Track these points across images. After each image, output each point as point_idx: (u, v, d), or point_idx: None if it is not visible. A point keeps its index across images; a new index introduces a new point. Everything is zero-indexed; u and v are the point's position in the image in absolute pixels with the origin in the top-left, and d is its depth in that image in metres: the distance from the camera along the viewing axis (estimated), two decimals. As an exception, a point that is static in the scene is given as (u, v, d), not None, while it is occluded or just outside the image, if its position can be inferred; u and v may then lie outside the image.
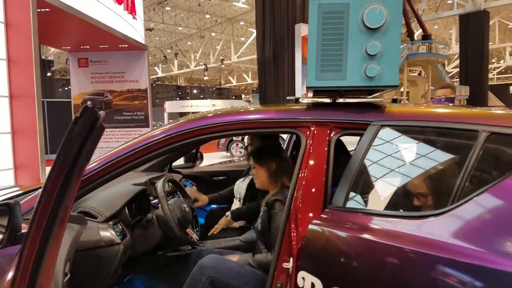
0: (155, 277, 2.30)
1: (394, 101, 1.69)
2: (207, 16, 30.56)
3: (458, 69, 28.03)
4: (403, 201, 1.26)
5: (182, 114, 29.11)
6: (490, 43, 26.37)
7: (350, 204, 1.30)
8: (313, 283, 1.24)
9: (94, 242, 1.65)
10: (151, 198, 2.32)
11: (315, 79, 1.51)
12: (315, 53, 1.49)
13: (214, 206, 3.04)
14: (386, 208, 1.25)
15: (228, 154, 12.99)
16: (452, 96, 3.11)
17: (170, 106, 29.25)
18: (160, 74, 41.52)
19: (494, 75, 42.02)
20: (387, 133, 1.36)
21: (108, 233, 1.71)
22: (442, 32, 34.33)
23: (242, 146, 12.82)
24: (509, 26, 30.90)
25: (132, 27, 8.75)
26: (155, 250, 2.28)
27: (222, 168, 3.46)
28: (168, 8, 28.76)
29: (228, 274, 1.76)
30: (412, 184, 1.25)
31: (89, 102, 0.79)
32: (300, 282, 1.30)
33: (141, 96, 9.07)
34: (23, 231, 1.13)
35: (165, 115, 28.46)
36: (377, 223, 1.18)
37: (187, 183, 2.91)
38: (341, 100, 1.66)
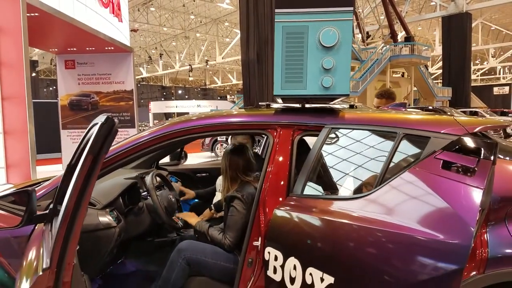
0: (145, 260, 2.61)
1: (351, 106, 1.98)
2: (192, 16, 30.67)
3: (441, 71, 28.66)
4: (346, 187, 1.57)
5: (167, 115, 29.22)
6: (473, 45, 27.06)
7: (306, 192, 1.60)
8: (276, 256, 1.54)
9: (93, 226, 1.92)
10: (141, 190, 2.60)
11: (280, 88, 1.79)
12: (280, 66, 1.77)
13: (197, 200, 3.32)
14: (333, 193, 1.57)
15: (213, 154, 13.22)
16: (405, 102, 3.39)
17: (155, 107, 29.29)
18: (145, 75, 41.43)
19: (477, 76, 42.97)
20: (335, 134, 1.67)
21: (105, 218, 1.98)
22: (426, 34, 35.07)
23: (226, 147, 13.06)
24: (492, 28, 31.76)
25: (118, 30, 8.93)
26: (144, 236, 2.58)
27: (204, 166, 3.75)
28: (152, 9, 28.81)
29: (202, 254, 2.02)
30: (352, 173, 1.57)
31: (110, 114, 1.13)
32: (266, 256, 1.59)
33: (127, 97, 9.27)
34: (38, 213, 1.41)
35: (150, 115, 28.50)
36: (323, 204, 1.49)
37: (172, 179, 3.17)
38: (307, 106, 1.95)
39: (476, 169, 1.18)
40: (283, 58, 1.77)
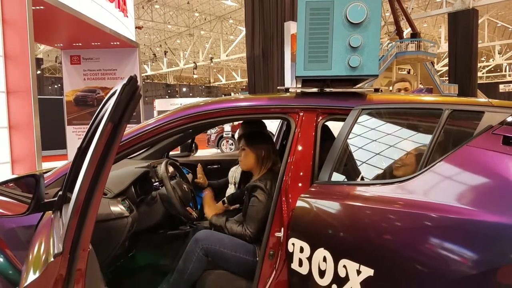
0: (156, 253, 2.49)
1: (376, 90, 1.86)
2: (196, 14, 30.55)
3: (447, 68, 28.41)
4: (383, 171, 1.44)
5: (172, 113, 29.02)
6: (479, 42, 26.80)
7: (335, 178, 1.48)
8: (301, 247, 1.42)
9: (105, 215, 1.80)
10: (152, 180, 2.49)
11: (303, 69, 1.67)
12: (303, 45, 1.65)
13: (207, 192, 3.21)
14: (369, 178, 1.43)
15: (219, 150, 13.12)
16: (431, 87, 3.35)
17: (160, 104, 29.27)
18: (149, 72, 41.36)
19: (483, 73, 42.58)
20: (367, 115, 1.54)
21: (117, 208, 1.87)
22: (432, 31, 34.74)
23: (232, 143, 12.95)
24: (498, 25, 31.42)
25: (123, 25, 8.84)
26: (156, 228, 2.46)
27: (216, 157, 3.64)
28: (157, 6, 28.70)
29: (221, 244, 1.91)
30: (390, 156, 1.43)
31: (133, 74, 0.99)
32: (290, 247, 1.47)
33: (133, 93, 9.18)
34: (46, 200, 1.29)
35: (155, 113, 28.49)
36: (359, 191, 1.36)
37: (183, 170, 3.07)
38: (327, 90, 1.83)
39: None
40: (307, 36, 1.65)
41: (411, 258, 1.10)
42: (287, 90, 1.96)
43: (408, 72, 28.45)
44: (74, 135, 9.06)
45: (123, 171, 2.29)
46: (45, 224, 1.42)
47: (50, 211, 1.46)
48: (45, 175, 1.76)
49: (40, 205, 1.28)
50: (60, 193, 1.40)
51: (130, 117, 1.04)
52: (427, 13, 27.98)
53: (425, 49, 24.57)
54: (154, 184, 2.49)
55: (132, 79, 1.03)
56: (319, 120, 1.71)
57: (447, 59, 28.10)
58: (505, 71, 43.18)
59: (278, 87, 2.07)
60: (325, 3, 1.62)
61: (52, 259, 1.05)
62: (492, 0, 24.13)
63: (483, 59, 39.50)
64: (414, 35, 24.81)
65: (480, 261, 0.98)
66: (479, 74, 37.20)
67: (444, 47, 29.01)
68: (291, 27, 10.91)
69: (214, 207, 2.24)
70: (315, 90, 1.84)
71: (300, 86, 1.90)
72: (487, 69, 41.65)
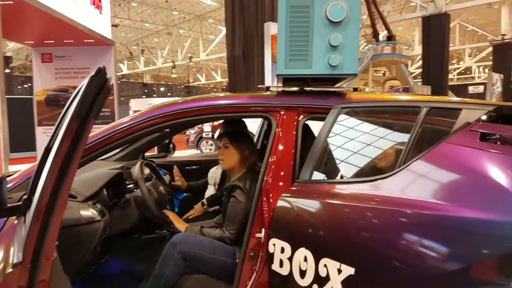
0: (130, 258, 2.40)
1: (355, 89, 1.86)
2: (175, 13, 30.21)
3: (420, 70, 29.13)
4: (363, 169, 1.43)
5: (149, 112, 28.50)
6: (451, 45, 27.59)
7: (315, 177, 1.46)
8: (282, 247, 1.39)
9: (74, 220, 1.71)
10: (126, 182, 2.41)
11: (284, 67, 1.65)
12: (284, 44, 1.63)
13: (185, 194, 3.15)
14: (349, 176, 1.42)
15: (198, 151, 13.00)
16: (407, 86, 3.48)
17: (136, 104, 28.66)
18: (125, 71, 40.61)
19: (454, 75, 43.98)
20: (347, 114, 1.53)
21: (88, 212, 1.78)
22: (406, 34, 35.58)
23: (212, 144, 12.86)
24: (468, 29, 32.44)
25: (98, 22, 8.61)
26: (130, 232, 2.37)
27: (195, 158, 3.58)
28: (134, 4, 28.22)
29: (199, 247, 1.86)
30: (369, 154, 1.43)
31: (102, 65, 0.92)
32: (271, 248, 1.44)
33: (108, 93, 8.95)
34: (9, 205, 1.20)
35: (130, 113, 27.83)
36: (339, 189, 1.35)
37: (160, 171, 2.99)
38: (308, 89, 1.81)
39: None
40: (287, 34, 1.63)
41: (392, 256, 1.09)
42: (267, 88, 1.93)
43: (383, 74, 28.98)
44: (44, 137, 8.73)
45: (94, 173, 2.20)
46: (7, 231, 1.33)
47: (13, 217, 1.37)
48: (10, 178, 1.65)
49: (2, 210, 1.18)
50: (25, 197, 1.31)
51: (99, 112, 0.96)
52: (402, 16, 28.63)
53: (400, 51, 25.10)
54: (128, 186, 2.41)
55: (101, 71, 0.96)
56: (300, 118, 1.69)
57: (421, 61, 28.79)
58: (474, 73, 44.77)
59: (258, 86, 2.05)
60: (305, 1, 1.61)
61: (10, 270, 0.97)
62: (463, 5, 24.95)
63: (454, 61, 40.76)
64: (390, 37, 25.32)
65: (460, 257, 0.98)
66: (450, 76, 38.31)
67: (418, 49, 29.74)
68: (271, 28, 10.93)
69: (182, 221, 2.16)
70: (295, 89, 1.82)
71: (281, 84, 1.88)
72: (457, 71, 43.06)
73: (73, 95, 1.14)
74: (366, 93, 1.79)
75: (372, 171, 1.38)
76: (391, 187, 1.19)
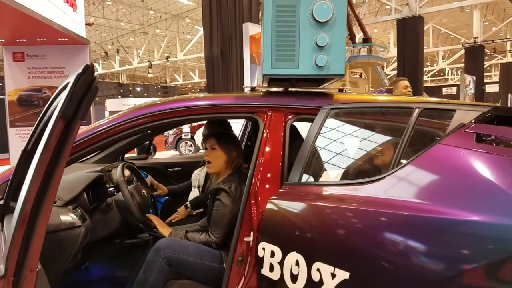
0: (113, 264, 2.33)
1: (341, 90, 1.85)
2: (151, 12, 29.77)
3: (396, 72, 29.73)
4: (354, 171, 1.42)
5: (125, 113, 27.96)
6: (425, 47, 28.28)
7: (305, 179, 1.44)
8: (272, 251, 1.36)
9: (54, 226, 1.64)
10: (107, 185, 2.33)
11: (270, 67, 1.62)
12: (270, 43, 1.60)
13: (167, 197, 3.07)
14: (340, 178, 1.40)
15: (177, 153, 12.83)
16: (391, 87, 3.43)
17: (112, 105, 28.08)
18: (100, 71, 39.73)
19: (428, 77, 45.18)
20: (336, 115, 1.51)
21: (68, 217, 1.70)
22: (382, 36, 36.23)
23: (191, 145, 12.71)
24: (441, 31, 33.34)
25: (72, 20, 8.37)
26: (113, 237, 2.29)
27: (176, 160, 3.50)
28: (109, 3, 27.66)
29: (184, 252, 1.81)
30: (361, 156, 1.41)
31: (90, 63, 0.86)
32: (260, 252, 1.41)
33: (83, 93, 8.72)
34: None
35: (106, 114, 27.30)
36: (331, 191, 1.33)
37: (141, 174, 2.91)
38: (293, 90, 1.80)
39: None
40: (273, 34, 1.61)
41: (388, 259, 1.07)
42: (253, 89, 1.90)
43: (360, 76, 29.40)
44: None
45: (73, 176, 2.12)
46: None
47: None
48: None
49: None
50: (1, 202, 1.23)
51: (86, 113, 0.91)
52: (378, 19, 29.12)
53: (376, 53, 25.48)
54: (109, 189, 2.33)
55: (88, 68, 0.90)
56: (287, 119, 1.66)
57: (396, 63, 29.38)
58: (448, 75, 46.12)
59: (244, 86, 2.02)
60: (291, 0, 1.59)
61: None
62: (436, 9, 25.63)
63: (428, 63, 41.81)
64: (366, 40, 25.66)
65: (461, 261, 0.98)
66: (425, 78, 39.33)
67: (393, 52, 30.31)
68: (249, 29, 10.90)
69: (166, 226, 2.10)
70: (281, 89, 1.80)
71: (266, 85, 1.85)
72: (431, 73, 44.22)
73: (55, 93, 1.08)
74: (352, 94, 1.78)
75: (365, 173, 1.37)
76: (385, 189, 1.18)
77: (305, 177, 1.44)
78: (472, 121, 1.18)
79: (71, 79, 0.91)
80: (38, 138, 1.06)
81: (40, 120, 1.17)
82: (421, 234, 1.04)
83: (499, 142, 1.11)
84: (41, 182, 0.89)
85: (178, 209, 2.59)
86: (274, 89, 1.82)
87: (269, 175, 1.55)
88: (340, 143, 1.47)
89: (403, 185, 1.17)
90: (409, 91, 3.61)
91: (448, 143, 1.15)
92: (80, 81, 0.89)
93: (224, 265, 1.75)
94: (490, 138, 1.13)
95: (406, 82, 3.60)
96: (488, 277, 0.94)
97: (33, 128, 1.23)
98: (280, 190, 1.47)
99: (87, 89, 0.90)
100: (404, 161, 1.20)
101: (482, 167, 1.06)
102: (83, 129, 1.69)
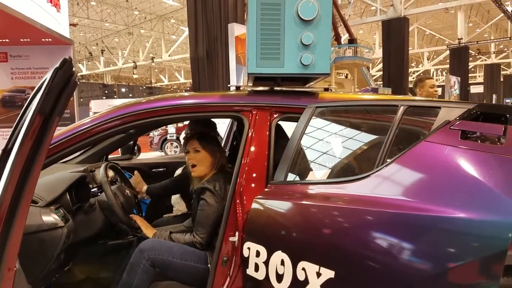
0: (96, 265, 2.30)
1: (326, 89, 1.86)
2: (136, 12, 29.50)
3: (381, 72, 30.06)
4: (340, 170, 1.41)
5: (110, 114, 27.62)
6: (410, 48, 28.67)
7: (291, 178, 1.43)
8: (258, 251, 1.35)
9: (36, 227, 1.61)
10: (90, 186, 2.29)
11: (255, 66, 1.62)
12: (255, 42, 1.59)
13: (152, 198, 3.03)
14: (325, 177, 1.40)
15: (163, 153, 12.72)
16: (377, 87, 3.41)
17: (97, 106, 27.72)
18: (85, 72, 39.22)
19: (413, 78, 45.72)
20: (321, 113, 1.51)
21: (50, 217, 1.67)
22: (367, 37, 36.56)
23: (177, 146, 12.62)
24: (426, 33, 33.84)
25: (56, 21, 8.23)
26: (96, 238, 2.26)
27: (161, 160, 3.47)
28: (93, 3, 27.31)
29: (169, 253, 1.79)
30: (346, 154, 1.41)
31: (68, 56, 0.83)
32: (245, 252, 1.40)
33: (67, 94, 8.60)
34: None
35: (91, 114, 26.97)
36: (316, 190, 1.32)
37: (125, 174, 2.87)
38: (278, 89, 1.79)
39: (504, 137, 1.07)
40: (258, 32, 1.60)
41: (373, 258, 1.07)
42: (238, 88, 1.89)
43: (346, 77, 29.63)
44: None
45: (56, 177, 2.07)
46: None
47: None
48: None
49: None
50: None
51: (64, 108, 0.88)
52: (363, 20, 29.39)
53: (361, 54, 25.63)
54: (92, 190, 2.29)
55: (66, 62, 0.87)
56: (273, 118, 1.66)
57: (381, 64, 29.70)
58: (433, 76, 46.84)
59: (229, 85, 2.01)
60: (276, -2, 1.58)
61: None
62: (421, 10, 26.00)
63: (413, 64, 42.39)
64: (352, 41, 25.82)
65: (446, 258, 0.98)
66: (410, 78, 39.87)
67: (378, 53, 30.63)
68: (235, 29, 10.88)
69: (150, 227, 2.07)
70: (266, 88, 1.80)
71: (251, 84, 1.84)
72: (417, 74, 44.77)
73: (34, 90, 1.05)
74: (337, 93, 1.78)
75: (350, 171, 1.37)
76: (371, 187, 1.18)
77: (291, 176, 1.44)
78: (457, 118, 1.19)
79: (48, 75, 0.88)
80: (16, 136, 1.03)
81: (20, 119, 1.14)
82: (405, 231, 1.04)
83: (484, 139, 1.12)
84: (18, 181, 0.86)
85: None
86: (260, 88, 1.81)
87: (254, 175, 1.54)
88: (325, 142, 1.46)
89: (389, 183, 1.17)
90: (435, 91, 3.34)
91: (434, 141, 1.16)
92: (57, 76, 0.86)
93: (209, 265, 1.73)
94: (475, 135, 1.14)
95: (433, 81, 3.33)
96: (472, 274, 0.95)
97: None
98: (266, 190, 1.47)
99: (65, 84, 0.87)
100: (389, 159, 1.20)
101: (467, 164, 1.07)
102: (65, 128, 1.66)
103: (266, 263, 1.31)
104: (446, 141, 1.14)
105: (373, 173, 1.20)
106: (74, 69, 0.90)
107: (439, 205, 1.02)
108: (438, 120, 1.21)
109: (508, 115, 1.15)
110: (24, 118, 0.99)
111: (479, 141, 1.12)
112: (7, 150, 1.17)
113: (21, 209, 0.88)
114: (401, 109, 1.30)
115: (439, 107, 1.26)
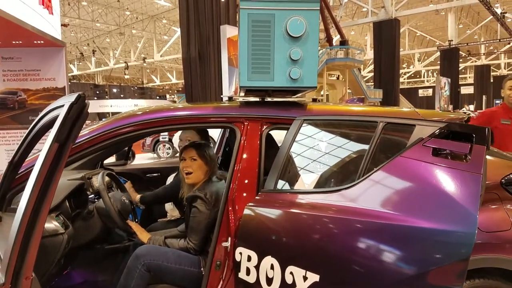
0: (94, 269, 2.36)
1: (314, 100, 1.95)
2: (127, 12, 29.41)
3: (372, 74, 30.32)
4: (324, 180, 1.51)
5: (100, 114, 27.57)
6: (401, 50, 28.98)
7: (280, 187, 1.52)
8: (249, 256, 1.44)
9: None
10: (88, 193, 2.36)
11: (247, 79, 1.70)
12: (246, 56, 1.68)
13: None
14: (311, 187, 1.50)
15: (155, 155, 12.73)
16: (362, 96, 3.48)
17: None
18: (76, 72, 38.99)
19: (404, 79, 46.13)
20: (308, 126, 1.61)
21: (51, 224, 1.74)
22: (358, 38, 36.84)
23: (169, 147, 12.64)
24: (417, 34, 34.22)
25: (48, 23, 8.23)
26: (94, 243, 2.33)
27: (155, 165, 3.53)
28: (84, 3, 27.19)
29: (164, 258, 1.86)
30: (331, 165, 1.51)
31: (81, 92, 0.94)
32: (237, 257, 1.49)
33: (59, 95, 8.52)
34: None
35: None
36: (302, 199, 1.42)
37: (120, 180, 2.94)
38: (269, 99, 1.88)
39: (470, 154, 1.18)
40: (249, 47, 1.69)
41: (354, 262, 1.17)
42: (230, 98, 1.98)
43: (337, 78, 29.84)
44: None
45: None
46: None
47: None
48: None
49: None
50: None
51: (77, 136, 1.00)
52: (354, 21, 29.65)
53: (353, 56, 25.89)
54: (90, 196, 2.36)
55: (80, 98, 1.01)
56: (263, 129, 1.75)
57: (373, 65, 29.96)
58: (424, 77, 47.26)
59: (221, 95, 2.10)
60: (266, 15, 1.66)
61: None
62: (412, 11, 26.31)
63: (404, 66, 42.79)
64: (343, 42, 26.07)
65: (419, 263, 1.08)
66: (401, 80, 40.26)
67: (369, 54, 30.91)
68: (227, 31, 10.94)
69: (145, 232, 2.13)
70: (257, 99, 1.88)
71: (243, 95, 1.93)
72: (408, 75, 45.23)
73: (43, 112, 1.15)
74: (325, 104, 1.88)
75: (334, 181, 1.47)
76: (352, 197, 1.28)
77: (280, 184, 1.53)
78: (429, 136, 1.30)
79: (60, 103, 0.99)
80: (24, 152, 1.12)
81: (27, 136, 1.23)
82: (378, 239, 1.15)
83: (453, 156, 1.23)
84: (37, 198, 0.96)
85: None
86: (251, 98, 1.90)
87: (246, 182, 1.64)
88: (311, 153, 1.57)
89: (367, 194, 1.28)
90: None
91: (408, 156, 1.27)
92: (73, 110, 0.99)
93: (202, 269, 1.81)
94: (445, 152, 1.25)
95: None
96: (439, 278, 1.05)
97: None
98: (257, 197, 1.56)
99: (78, 116, 1.00)
100: (368, 172, 1.31)
101: (436, 179, 1.18)
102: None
103: (257, 267, 1.40)
104: (419, 157, 1.25)
105: (353, 185, 1.31)
106: (86, 102, 1.02)
107: (408, 216, 1.13)
108: (413, 137, 1.33)
109: (474, 135, 1.26)
110: (33, 138, 1.07)
111: (449, 158, 1.23)
112: (14, 163, 1.25)
113: (39, 223, 0.97)
114: (380, 126, 1.41)
115: (414, 125, 1.38)
